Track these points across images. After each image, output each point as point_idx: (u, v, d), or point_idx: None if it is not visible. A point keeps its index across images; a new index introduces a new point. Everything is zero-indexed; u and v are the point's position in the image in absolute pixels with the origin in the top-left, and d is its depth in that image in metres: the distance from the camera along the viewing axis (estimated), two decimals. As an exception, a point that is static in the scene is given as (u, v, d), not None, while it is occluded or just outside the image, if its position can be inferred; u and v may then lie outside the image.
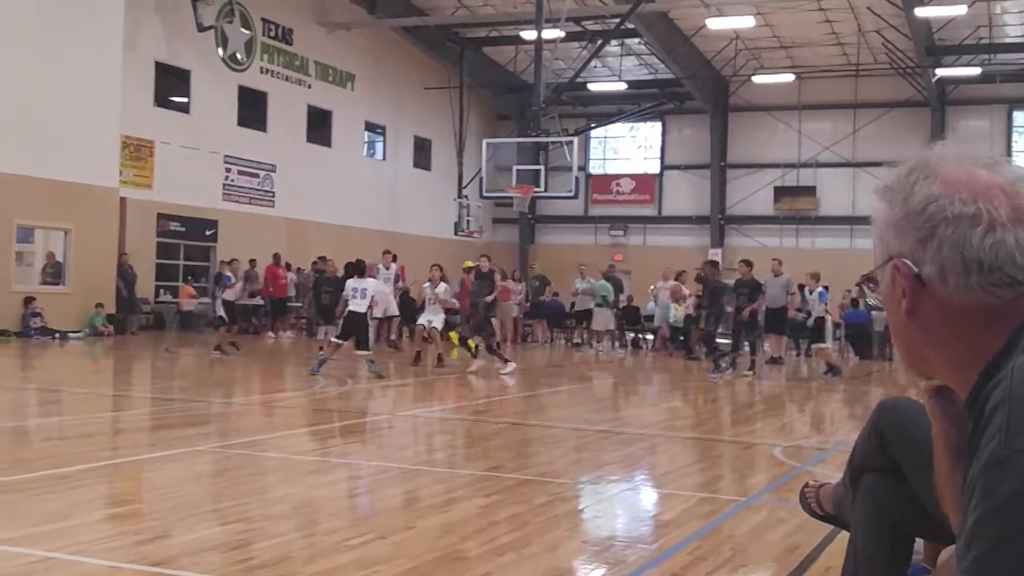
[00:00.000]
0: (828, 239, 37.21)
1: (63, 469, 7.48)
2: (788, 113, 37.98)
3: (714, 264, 21.83)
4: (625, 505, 7.48)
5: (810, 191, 38.13)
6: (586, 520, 6.73)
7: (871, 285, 1.65)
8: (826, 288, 21.20)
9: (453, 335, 21.07)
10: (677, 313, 24.63)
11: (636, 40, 35.34)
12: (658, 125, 41.17)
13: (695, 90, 37.76)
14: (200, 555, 5.21)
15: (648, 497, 7.90)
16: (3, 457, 8.21)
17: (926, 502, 2.43)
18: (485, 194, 30.92)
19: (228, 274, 20.98)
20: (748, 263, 20.32)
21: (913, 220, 1.52)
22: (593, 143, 42.04)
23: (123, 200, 26.31)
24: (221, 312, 20.10)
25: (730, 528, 6.42)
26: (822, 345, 20.61)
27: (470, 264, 21.19)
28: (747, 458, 9.93)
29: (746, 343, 20.27)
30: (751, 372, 19.11)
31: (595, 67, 37.67)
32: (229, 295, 20.31)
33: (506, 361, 17.78)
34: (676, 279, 25.11)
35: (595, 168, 42.27)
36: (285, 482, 7.78)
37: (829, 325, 21.54)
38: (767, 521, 6.57)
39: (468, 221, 33.54)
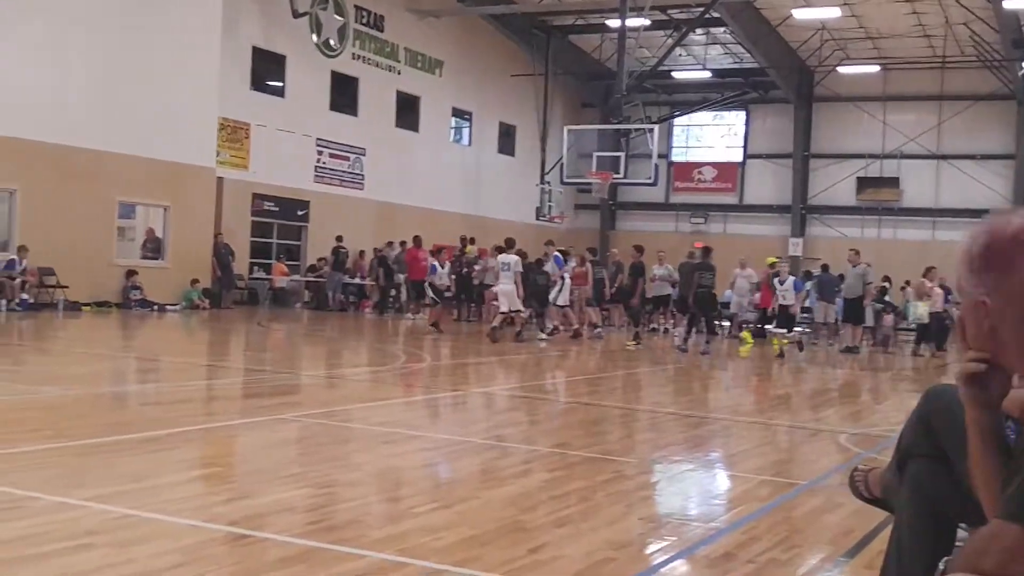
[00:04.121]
0: (911, 230, 37.07)
1: (152, 432, 8.01)
2: (873, 104, 37.86)
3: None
4: (685, 485, 7.58)
5: (893, 182, 37.98)
6: (645, 497, 6.83)
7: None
8: (804, 277, 21.70)
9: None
10: (918, 311, 23.91)
11: (721, 29, 35.52)
12: (742, 114, 41.26)
13: (780, 80, 37.81)
14: (274, 516, 5.59)
15: (709, 478, 8.02)
16: (98, 420, 8.79)
17: (971, 488, 2.39)
18: (565, 180, 31.49)
19: (435, 263, 23.76)
20: (707, 249, 21.80)
21: None
22: (676, 131, 42.27)
23: (220, 180, 27.40)
24: (431, 295, 23.12)
25: (787, 510, 6.53)
26: (786, 334, 20.80)
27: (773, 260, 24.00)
28: (812, 444, 10.13)
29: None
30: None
31: (680, 56, 37.93)
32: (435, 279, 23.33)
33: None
34: (925, 275, 23.92)
35: (677, 156, 42.51)
36: (360, 451, 8.25)
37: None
38: (825, 505, 6.61)
39: (549, 206, 34.11)
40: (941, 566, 2.25)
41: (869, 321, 24.73)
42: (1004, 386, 2.24)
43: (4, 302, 21.38)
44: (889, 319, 26.17)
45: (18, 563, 4.45)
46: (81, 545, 4.74)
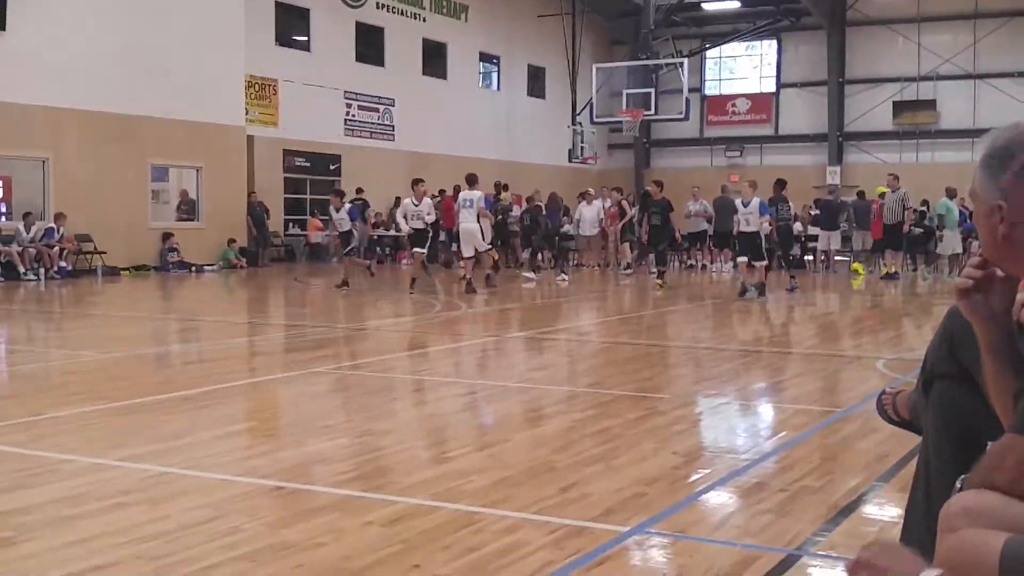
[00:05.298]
0: (949, 152, 36.49)
1: (190, 391, 8.11)
2: (907, 26, 37.17)
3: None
4: (718, 418, 7.61)
5: (930, 105, 37.39)
6: (677, 433, 6.78)
7: None
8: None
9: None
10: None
11: (749, -43, 34.95)
12: (774, 43, 40.69)
13: (811, 5, 37.20)
14: (307, 467, 5.67)
15: (743, 410, 7.98)
16: (138, 382, 8.92)
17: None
18: (596, 120, 31.25)
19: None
20: (659, 184, 21.63)
21: None
22: (708, 64, 41.77)
23: (250, 138, 27.46)
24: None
25: (822, 438, 6.54)
26: (757, 263, 18.13)
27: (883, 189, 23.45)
28: (849, 371, 10.08)
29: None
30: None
31: (708, -13, 37.40)
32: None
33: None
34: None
35: (710, 89, 42.03)
36: (394, 400, 8.34)
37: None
38: (860, 431, 6.59)
39: (582, 148, 33.93)
40: (958, 484, 2.22)
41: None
42: (1009, 296, 2.19)
43: (43, 270, 21.63)
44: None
45: (53, 524, 4.53)
46: (116, 504, 4.82)
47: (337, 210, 19.73)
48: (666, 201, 21.13)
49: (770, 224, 18.39)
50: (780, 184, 19.93)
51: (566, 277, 22.20)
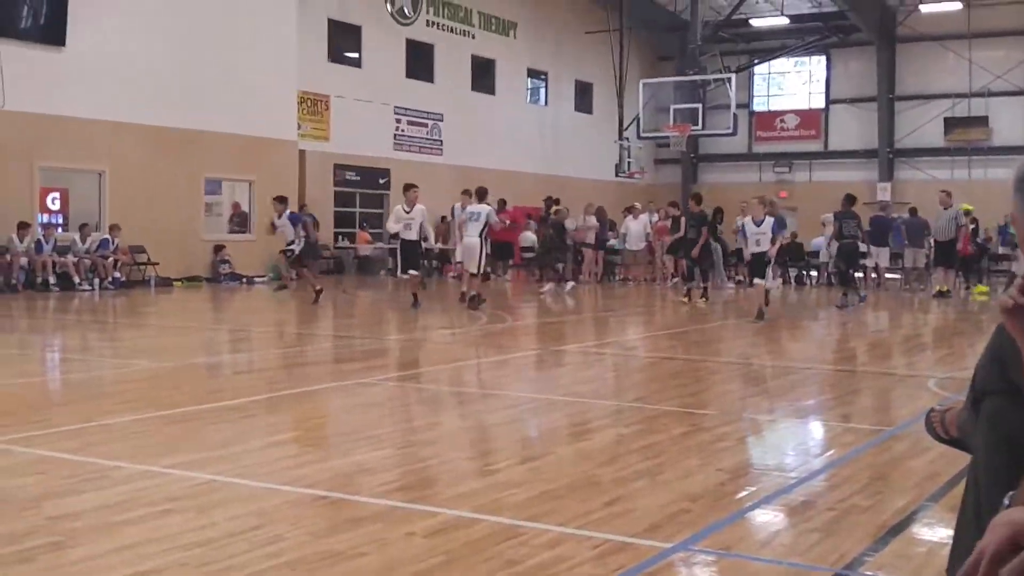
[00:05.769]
0: (1001, 170, 35.94)
1: (239, 400, 8.23)
2: (957, 42, 36.75)
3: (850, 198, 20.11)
4: (765, 435, 7.55)
5: (982, 121, 36.94)
6: (723, 449, 6.69)
7: None
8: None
9: None
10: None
11: (798, -27, 34.79)
12: (823, 59, 40.44)
13: (860, 22, 36.94)
14: (351, 477, 5.69)
15: (790, 427, 7.87)
16: (188, 391, 9.00)
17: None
18: (642, 135, 31.19)
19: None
20: (696, 197, 21.16)
21: None
22: (757, 79, 41.58)
23: (302, 152, 27.71)
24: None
25: (871, 457, 6.43)
26: (759, 281, 16.97)
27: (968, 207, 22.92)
28: (900, 389, 9.99)
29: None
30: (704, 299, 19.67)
31: (756, 3, 37.28)
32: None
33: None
34: None
35: (759, 105, 41.84)
36: (439, 411, 8.37)
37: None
38: (911, 450, 6.47)
39: (628, 163, 33.87)
40: (1006, 501, 2.17)
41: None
42: None
43: (97, 281, 21.93)
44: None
45: (100, 529, 4.58)
46: (164, 511, 4.87)
47: (279, 216, 18.76)
48: (703, 214, 20.59)
49: (773, 242, 16.78)
50: (849, 199, 19.48)
51: (572, 284, 22.17)
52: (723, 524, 4.85)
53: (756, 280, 16.95)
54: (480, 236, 17.77)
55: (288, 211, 19.06)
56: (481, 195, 18.42)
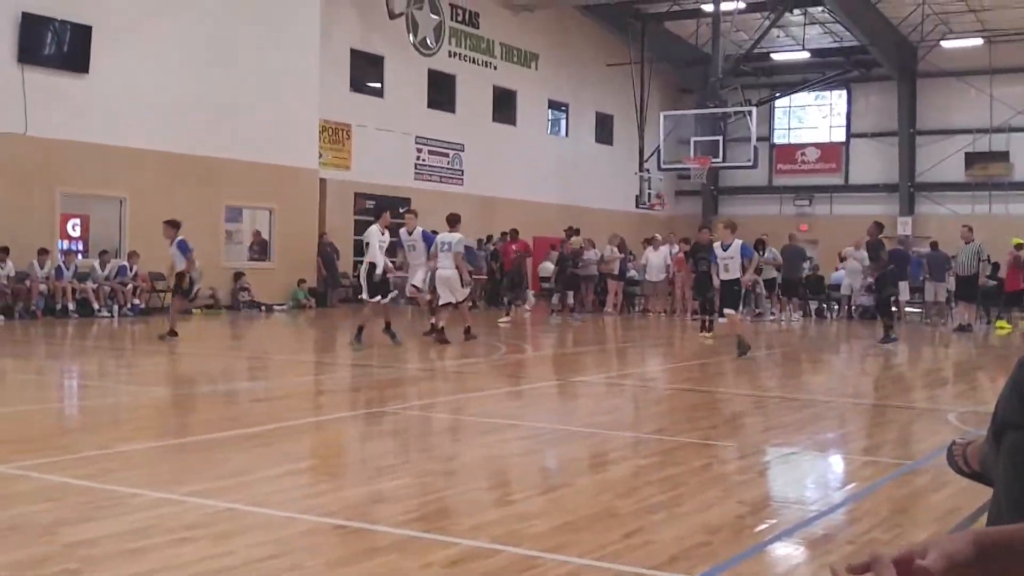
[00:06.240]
0: (1023, 204, 35.94)
1: (256, 428, 8.19)
2: (979, 77, 36.73)
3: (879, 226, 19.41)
4: (785, 468, 7.49)
5: (1003, 156, 36.84)
6: (743, 482, 6.67)
7: None
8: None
9: None
10: None
11: (819, 8, 34.82)
12: (844, 93, 40.46)
13: (881, 57, 36.95)
14: (369, 507, 5.67)
15: (810, 461, 7.84)
16: (205, 418, 9.04)
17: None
18: (663, 166, 31.24)
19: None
20: (708, 228, 20.40)
21: None
22: (778, 113, 41.64)
23: (323, 181, 27.82)
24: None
25: (891, 490, 6.39)
26: (730, 312, 15.85)
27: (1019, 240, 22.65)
28: (920, 423, 9.91)
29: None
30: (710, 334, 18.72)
31: (777, 37, 37.33)
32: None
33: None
34: None
35: (779, 138, 41.86)
36: (457, 441, 8.35)
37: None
38: (931, 484, 6.44)
39: (649, 194, 33.91)
40: None
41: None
42: None
43: (117, 307, 22.01)
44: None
45: (118, 557, 4.57)
46: (181, 539, 4.85)
47: (170, 242, 17.21)
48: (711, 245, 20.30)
49: (745, 269, 15.66)
50: (879, 227, 19.01)
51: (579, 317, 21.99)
52: (743, 557, 4.81)
53: (726, 311, 15.76)
54: (456, 266, 16.73)
55: (180, 238, 17.31)
56: (452, 222, 17.43)
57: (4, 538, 4.84)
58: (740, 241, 15.70)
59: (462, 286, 16.89)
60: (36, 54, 21.10)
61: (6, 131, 20.57)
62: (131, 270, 22.49)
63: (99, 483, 6.01)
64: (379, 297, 16.02)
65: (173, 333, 16.50)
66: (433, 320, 17.12)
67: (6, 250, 20.48)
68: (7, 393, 11.10)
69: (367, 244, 16.15)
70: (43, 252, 21.08)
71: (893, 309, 19.99)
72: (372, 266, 15.96)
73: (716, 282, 16.30)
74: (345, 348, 16.31)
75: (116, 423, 8.85)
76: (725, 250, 15.63)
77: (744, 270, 15.54)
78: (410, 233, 17.31)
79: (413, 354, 15.97)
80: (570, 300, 25.31)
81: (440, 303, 16.91)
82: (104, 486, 5.93)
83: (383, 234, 16.12)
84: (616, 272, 26.86)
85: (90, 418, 9.37)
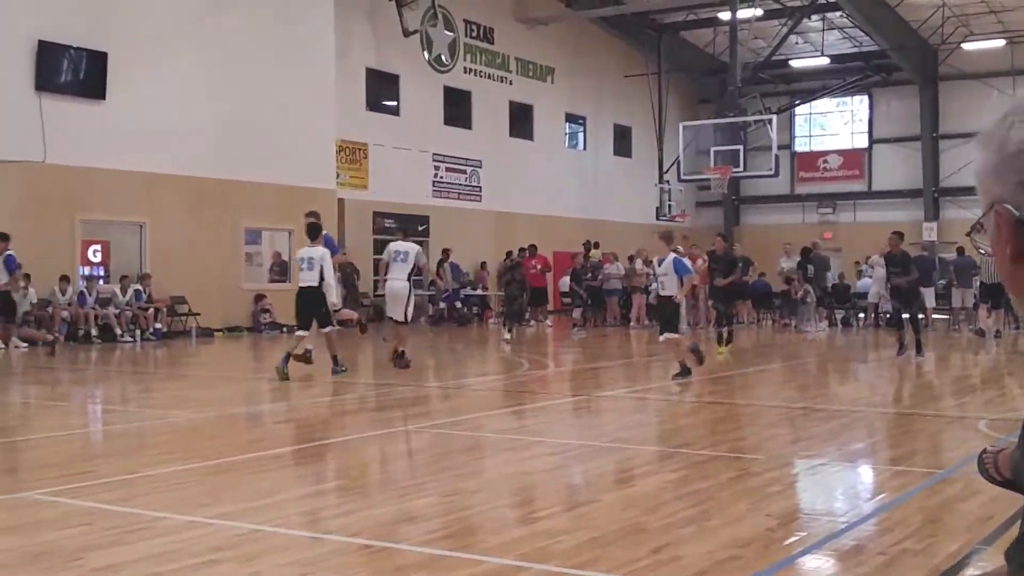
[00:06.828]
0: (1048, 208, 35.61)
1: (281, 449, 8.23)
2: (1001, 79, 36.49)
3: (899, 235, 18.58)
4: (815, 479, 7.44)
5: (1029, 158, 36.57)
6: (772, 494, 6.59)
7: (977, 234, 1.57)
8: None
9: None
10: None
11: (838, 13, 34.73)
12: (865, 99, 40.30)
13: (902, 61, 36.81)
14: (396, 526, 5.66)
15: (840, 471, 7.78)
16: (229, 441, 9.02)
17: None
18: (683, 177, 31.16)
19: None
20: (724, 237, 20.57)
21: (1009, 164, 1.41)
22: (798, 120, 41.49)
23: (341, 201, 27.86)
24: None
25: (922, 500, 6.35)
26: (669, 336, 14.01)
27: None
28: (950, 431, 9.84)
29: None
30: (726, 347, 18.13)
31: (796, 44, 37.25)
32: None
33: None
34: None
35: (801, 145, 41.72)
36: (483, 459, 8.31)
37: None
38: (962, 493, 6.37)
39: (669, 205, 33.83)
40: None
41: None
42: None
43: (139, 332, 22.07)
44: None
45: (145, 581, 4.55)
46: (208, 561, 4.84)
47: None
48: (730, 258, 19.98)
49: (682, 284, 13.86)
50: (899, 236, 18.33)
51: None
52: (773, 570, 4.75)
53: (666, 334, 13.97)
54: (408, 279, 15.07)
55: (8, 252, 16.33)
56: (407, 232, 16.33)
57: (33, 563, 4.84)
58: (673, 255, 13.89)
59: (408, 307, 15.11)
60: (53, 82, 21.25)
61: (25, 159, 20.69)
62: (144, 293, 22.48)
63: (126, 507, 6.01)
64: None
65: None
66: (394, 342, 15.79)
67: (28, 277, 20.54)
68: (35, 420, 11.14)
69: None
70: (64, 279, 21.17)
71: (920, 316, 19.71)
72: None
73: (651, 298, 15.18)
74: (366, 368, 16.31)
75: (141, 447, 8.85)
76: (659, 265, 14.10)
77: (682, 285, 13.79)
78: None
79: (434, 372, 15.95)
80: (575, 315, 25.27)
81: (394, 320, 15.40)
82: (131, 510, 5.93)
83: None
84: (644, 287, 26.80)
85: (116, 443, 9.37)
